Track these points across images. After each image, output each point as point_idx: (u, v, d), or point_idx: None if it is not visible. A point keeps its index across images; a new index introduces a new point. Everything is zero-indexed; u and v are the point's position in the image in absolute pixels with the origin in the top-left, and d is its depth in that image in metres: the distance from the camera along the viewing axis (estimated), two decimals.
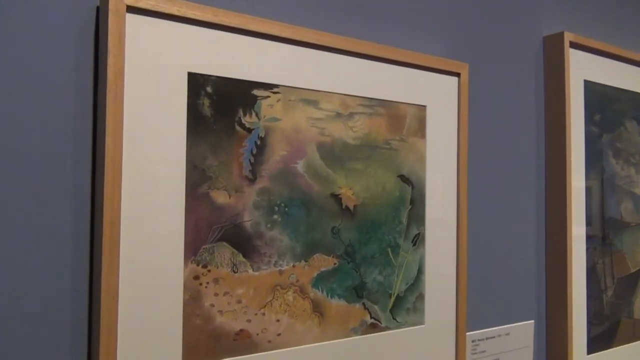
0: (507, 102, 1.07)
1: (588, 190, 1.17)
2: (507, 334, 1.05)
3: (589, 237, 1.17)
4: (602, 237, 1.20)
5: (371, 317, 0.84)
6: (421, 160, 0.90)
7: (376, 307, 0.84)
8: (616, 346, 1.22)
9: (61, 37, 0.62)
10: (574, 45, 1.15)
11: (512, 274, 1.07)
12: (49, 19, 0.61)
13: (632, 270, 1.27)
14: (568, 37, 1.13)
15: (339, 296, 0.80)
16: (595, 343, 1.17)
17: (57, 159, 0.62)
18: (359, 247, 0.82)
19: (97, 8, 0.65)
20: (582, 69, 1.17)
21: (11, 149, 0.59)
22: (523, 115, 1.10)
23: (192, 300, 0.67)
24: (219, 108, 0.70)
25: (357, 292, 0.82)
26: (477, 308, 1.01)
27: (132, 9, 0.63)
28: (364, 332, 0.83)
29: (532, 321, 1.10)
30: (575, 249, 1.13)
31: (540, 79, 1.14)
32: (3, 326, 0.58)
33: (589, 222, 1.17)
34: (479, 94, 1.02)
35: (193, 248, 0.67)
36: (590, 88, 1.19)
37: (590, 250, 1.17)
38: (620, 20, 1.32)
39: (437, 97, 0.92)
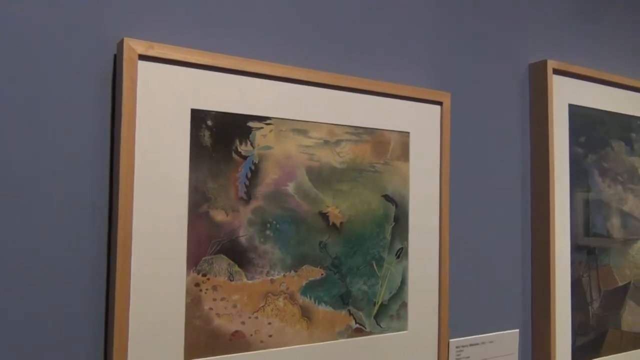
0: (492, 126, 1.16)
1: (573, 208, 1.25)
2: (492, 342, 1.13)
3: (574, 251, 1.24)
4: (587, 252, 1.27)
5: (356, 323, 0.93)
6: (404, 181, 0.99)
7: (361, 313, 0.94)
8: (603, 356, 1.28)
9: (84, 79, 0.74)
10: (557, 71, 1.23)
11: (497, 286, 1.15)
12: (74, 64, 0.74)
13: (620, 284, 1.34)
14: (551, 64, 1.21)
15: (326, 303, 0.90)
16: (581, 353, 1.24)
17: (79, 181, 0.73)
18: (344, 260, 0.92)
19: (115, 55, 0.77)
20: (567, 93, 1.25)
21: (40, 172, 0.71)
22: (507, 138, 1.19)
23: (193, 304, 0.78)
24: (217, 139, 0.81)
25: (343, 300, 0.92)
26: (462, 316, 1.09)
27: (143, 57, 0.75)
28: (350, 336, 0.92)
29: (517, 330, 1.18)
30: (559, 263, 1.20)
31: (527, 104, 1.23)
32: (35, 324, 0.70)
33: (574, 237, 1.24)
34: (464, 119, 1.11)
35: (194, 259, 0.79)
36: (575, 111, 1.27)
37: (575, 263, 1.24)
38: (602, 44, 1.40)
39: (420, 124, 1.02)
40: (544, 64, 1.21)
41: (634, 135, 1.39)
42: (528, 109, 1.23)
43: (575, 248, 1.24)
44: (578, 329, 1.24)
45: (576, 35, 1.33)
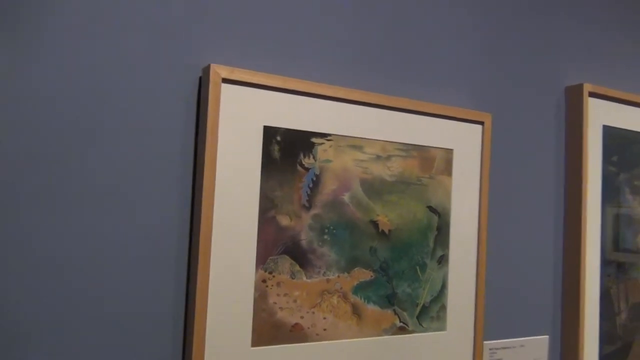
0: (529, 145, 1.24)
1: (604, 223, 1.32)
2: (522, 346, 1.21)
3: (603, 264, 1.31)
4: (617, 265, 1.34)
5: (400, 321, 1.03)
6: (447, 194, 1.09)
7: (405, 313, 1.03)
8: None
9: (173, 99, 0.86)
10: (593, 94, 1.31)
11: (530, 294, 1.24)
12: (166, 85, 0.85)
13: None
14: (587, 87, 1.29)
15: (374, 302, 1.00)
16: None
17: (166, 188, 0.85)
18: (391, 264, 1.02)
19: (200, 78, 0.88)
20: (601, 115, 1.33)
21: (133, 179, 0.83)
22: (543, 156, 1.27)
23: (260, 298, 0.89)
24: (285, 152, 0.92)
25: (389, 300, 1.02)
26: (496, 321, 1.18)
27: (225, 80, 0.86)
28: (394, 333, 1.02)
29: (547, 336, 1.26)
30: (589, 274, 1.28)
31: (562, 125, 1.30)
32: (132, 306, 0.81)
33: (604, 251, 1.32)
34: (503, 139, 1.20)
35: (262, 258, 0.89)
36: (609, 132, 1.34)
37: (604, 276, 1.31)
38: (636, 67, 1.46)
39: (463, 142, 1.11)
40: (580, 87, 1.29)
41: None
42: (564, 129, 1.31)
43: (605, 261, 1.32)
44: (605, 338, 1.31)
45: (610, 59, 1.40)
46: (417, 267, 1.05)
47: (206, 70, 0.86)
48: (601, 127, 1.33)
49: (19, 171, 0.75)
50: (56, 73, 0.78)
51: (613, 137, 1.35)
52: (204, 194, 0.84)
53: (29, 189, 0.76)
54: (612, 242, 1.33)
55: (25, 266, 0.75)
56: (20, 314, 0.75)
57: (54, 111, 0.78)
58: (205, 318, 0.84)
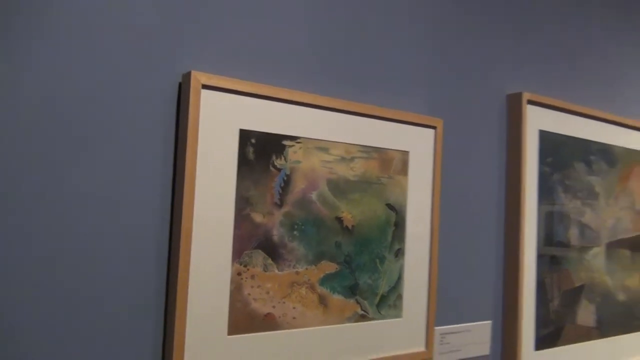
0: (475, 147, 1.36)
1: (540, 219, 1.46)
2: (469, 331, 1.33)
3: (539, 256, 1.45)
4: (550, 257, 1.49)
5: (362, 310, 1.12)
6: (404, 192, 1.18)
7: (366, 302, 1.12)
8: (560, 346, 1.50)
9: (154, 103, 0.91)
10: (531, 102, 1.44)
11: (476, 283, 1.36)
12: (147, 89, 0.90)
13: (576, 285, 1.56)
14: (526, 96, 1.42)
15: (339, 293, 1.08)
16: (542, 342, 1.45)
17: (148, 186, 0.90)
18: (354, 257, 1.10)
19: (180, 84, 0.93)
20: (538, 121, 1.47)
21: (117, 178, 0.87)
22: (488, 158, 1.39)
23: (236, 290, 0.95)
24: (259, 154, 0.98)
25: (352, 291, 1.10)
26: (446, 308, 1.29)
27: (205, 86, 0.92)
28: (356, 321, 1.11)
29: (490, 321, 1.38)
30: (526, 266, 1.42)
31: (504, 130, 1.43)
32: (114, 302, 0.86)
33: (540, 245, 1.46)
34: (453, 141, 1.31)
35: (238, 253, 0.96)
36: (544, 136, 1.48)
37: (539, 267, 1.45)
38: (569, 78, 1.62)
39: (418, 144, 1.21)
40: (519, 95, 1.42)
41: (592, 157, 1.62)
42: (505, 133, 1.44)
43: (541, 253, 1.46)
44: (541, 322, 1.45)
45: (547, 70, 1.55)
46: (377, 260, 1.14)
47: (187, 77, 0.91)
48: (538, 131, 1.47)
49: (3, 172, 0.79)
50: (40, 78, 0.81)
51: (548, 140, 1.49)
52: (184, 193, 0.90)
53: (15, 189, 0.79)
54: (547, 237, 1.48)
55: (10, 265, 0.79)
56: (5, 308, 0.78)
57: (38, 115, 0.81)
58: (186, 309, 0.89)
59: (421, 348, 1.21)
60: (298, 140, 1.03)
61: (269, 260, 0.99)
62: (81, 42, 0.85)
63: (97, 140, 0.86)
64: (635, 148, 1.76)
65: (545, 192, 1.48)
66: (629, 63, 1.82)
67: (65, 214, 0.83)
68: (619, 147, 1.71)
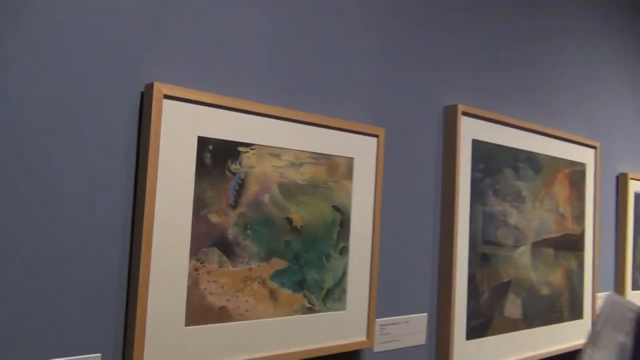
0: (414, 154, 1.49)
1: (472, 220, 1.60)
2: (406, 322, 1.46)
3: (471, 254, 1.59)
4: (481, 255, 1.63)
5: (309, 303, 1.22)
6: (348, 195, 1.29)
7: (312, 296, 1.22)
8: (489, 336, 1.65)
9: (118, 110, 0.98)
10: (465, 113, 1.58)
11: (413, 279, 1.48)
12: (113, 97, 0.97)
13: (504, 280, 1.71)
14: (461, 108, 1.56)
15: (288, 287, 1.18)
16: (473, 332, 1.59)
17: (112, 188, 0.97)
18: (302, 254, 1.20)
19: (142, 93, 1.00)
20: (471, 131, 1.61)
21: (84, 181, 0.94)
22: (425, 164, 1.52)
23: (193, 284, 1.03)
24: (215, 159, 1.07)
25: (300, 285, 1.20)
26: (386, 301, 1.41)
27: (166, 96, 1.00)
28: (303, 313, 1.21)
29: (426, 314, 1.51)
30: (459, 262, 1.55)
31: (441, 138, 1.57)
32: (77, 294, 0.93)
33: (472, 243, 1.60)
34: (394, 149, 1.43)
35: (195, 250, 1.04)
36: (477, 145, 1.63)
37: (471, 263, 1.59)
38: (502, 92, 1.77)
39: (362, 151, 1.32)
40: (455, 107, 1.56)
41: (520, 164, 1.78)
42: (442, 142, 1.57)
43: (472, 251, 1.60)
44: (472, 314, 1.59)
45: (480, 84, 1.70)
46: (323, 257, 1.24)
47: (149, 87, 0.99)
48: (471, 140, 1.61)
49: None
50: (7, 83, 0.87)
51: (480, 149, 1.64)
52: (146, 194, 0.97)
53: None
54: (478, 236, 1.62)
55: None
56: None
57: (6, 119, 0.87)
58: (146, 302, 0.97)
59: (363, 338, 1.32)
60: (252, 147, 1.12)
61: (224, 257, 1.08)
62: (52, 49, 0.91)
63: (63, 143, 0.92)
64: (559, 156, 1.94)
65: (477, 195, 1.62)
66: (556, 77, 2.00)
67: (34, 214, 0.89)
68: (545, 155, 1.88)
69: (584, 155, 2.07)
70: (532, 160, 1.83)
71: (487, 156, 1.66)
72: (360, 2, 1.37)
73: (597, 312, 0.66)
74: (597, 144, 2.11)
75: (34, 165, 0.89)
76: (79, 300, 0.93)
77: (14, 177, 0.87)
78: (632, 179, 2.34)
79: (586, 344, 0.69)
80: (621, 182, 2.34)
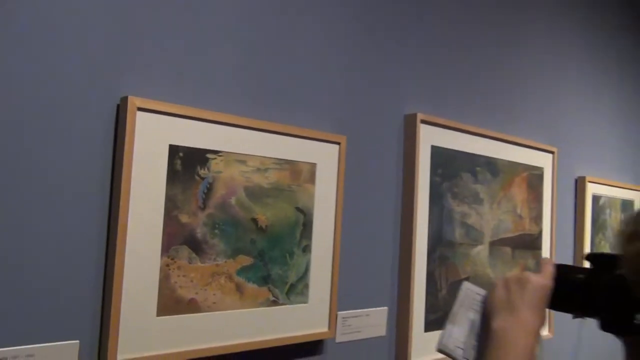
0: (375, 160, 1.61)
1: (431, 220, 1.72)
2: (367, 315, 1.57)
3: (429, 252, 1.71)
4: (439, 252, 1.75)
5: (273, 296, 1.33)
6: (311, 198, 1.41)
7: (277, 290, 1.34)
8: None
9: (96, 120, 1.08)
10: (424, 121, 1.71)
11: (374, 275, 1.60)
12: (91, 109, 1.08)
13: (462, 276, 1.84)
14: (420, 116, 1.68)
15: (253, 282, 1.29)
16: (431, 325, 1.72)
17: (91, 192, 1.07)
18: (267, 252, 1.31)
19: (118, 106, 1.11)
20: (430, 137, 1.73)
21: (63, 182, 1.04)
22: (386, 168, 1.64)
23: (164, 278, 1.14)
24: (185, 165, 1.18)
25: (265, 280, 1.31)
26: (348, 296, 1.52)
27: (139, 108, 1.11)
28: (268, 305, 1.32)
29: (386, 307, 1.63)
30: (418, 260, 1.67)
31: (401, 145, 1.68)
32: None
33: (430, 242, 1.72)
34: (355, 155, 1.55)
35: (166, 247, 1.14)
36: (436, 151, 1.75)
37: (430, 261, 1.72)
38: (461, 100, 1.90)
39: (324, 158, 1.44)
40: (414, 115, 1.68)
41: (478, 168, 1.90)
42: (402, 148, 1.69)
43: (431, 249, 1.72)
44: (430, 308, 1.71)
45: (438, 94, 1.82)
46: (287, 254, 1.36)
47: (124, 100, 1.10)
48: (430, 147, 1.73)
49: None
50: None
51: (439, 154, 1.76)
52: (121, 196, 1.08)
53: None
54: (436, 235, 1.74)
55: None
56: None
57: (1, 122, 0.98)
58: (121, 293, 1.08)
59: (325, 329, 1.44)
60: (220, 154, 1.23)
61: (193, 254, 1.19)
62: (33, 61, 1.01)
63: (48, 149, 1.02)
64: (517, 161, 2.07)
65: (436, 197, 1.75)
66: (516, 84, 2.13)
67: (21, 213, 0.99)
68: (503, 160, 2.01)
69: (542, 160, 2.20)
70: (491, 164, 1.95)
71: (445, 161, 1.78)
72: (322, 17, 1.49)
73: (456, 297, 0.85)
74: (554, 149, 2.24)
75: (21, 168, 1.00)
76: (60, 292, 1.04)
77: (2, 179, 0.98)
78: (589, 182, 2.48)
79: (446, 322, 0.84)
80: (579, 185, 2.48)
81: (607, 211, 2.63)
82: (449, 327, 0.86)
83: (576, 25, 2.50)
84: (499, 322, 0.81)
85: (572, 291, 0.82)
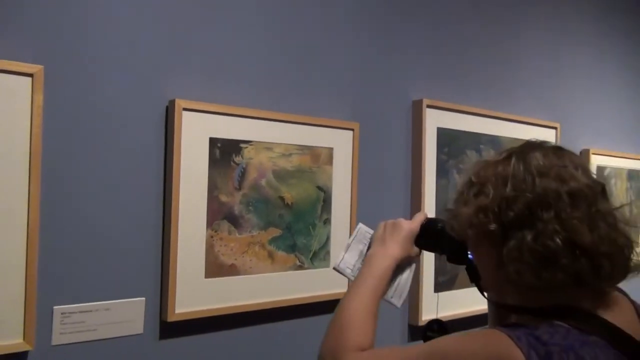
0: (386, 143, 1.82)
1: (438, 193, 1.93)
2: None
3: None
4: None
5: (299, 262, 1.57)
6: (329, 177, 1.64)
7: (302, 256, 1.58)
8: (455, 289, 1.99)
9: (149, 121, 1.33)
10: (430, 106, 1.91)
11: None
12: (146, 110, 1.32)
13: None
14: (426, 102, 1.89)
15: (282, 250, 1.53)
16: (440, 286, 1.94)
17: (147, 180, 1.32)
18: (293, 225, 1.55)
19: (167, 107, 1.35)
20: (436, 120, 1.93)
21: (122, 175, 1.30)
22: (396, 149, 1.85)
23: (210, 247, 1.39)
24: (223, 154, 1.42)
25: (292, 249, 1.56)
26: None
27: (184, 109, 1.35)
28: (295, 269, 1.56)
29: None
30: None
31: (410, 128, 1.89)
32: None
33: (438, 213, 1.93)
34: (367, 140, 1.76)
35: (210, 222, 1.39)
36: (441, 132, 1.95)
37: None
38: (465, 84, 2.09)
39: (340, 143, 1.66)
40: (421, 101, 1.88)
41: (482, 146, 2.10)
42: (411, 131, 1.90)
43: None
44: (439, 271, 1.93)
45: (447, 77, 2.01)
46: (310, 226, 1.60)
47: (172, 102, 1.34)
48: (436, 128, 1.94)
49: (53, 170, 1.21)
50: (69, 105, 1.23)
51: (445, 135, 1.96)
52: (173, 182, 1.33)
53: (57, 187, 1.22)
54: (444, 207, 1.95)
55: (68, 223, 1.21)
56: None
57: (65, 129, 1.23)
58: (176, 261, 1.33)
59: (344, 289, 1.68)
60: (251, 143, 1.47)
61: (232, 227, 1.44)
62: (99, 73, 1.26)
63: (112, 146, 1.28)
64: (518, 137, 2.25)
65: (442, 173, 1.95)
66: (519, 65, 2.31)
67: (99, 198, 1.25)
68: (505, 137, 2.20)
69: (545, 135, 2.38)
70: (495, 142, 2.15)
71: (450, 141, 1.99)
72: (331, 17, 1.70)
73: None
74: (557, 125, 2.42)
75: (94, 160, 1.25)
76: (128, 259, 1.30)
77: (79, 170, 1.24)
78: (593, 154, 2.65)
79: (342, 250, 1.17)
80: (584, 157, 2.64)
81: (613, 181, 2.79)
82: (343, 254, 1.16)
83: (571, 2, 2.63)
84: (371, 251, 1.09)
85: (430, 236, 1.09)
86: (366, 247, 1.14)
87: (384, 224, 1.12)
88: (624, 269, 0.87)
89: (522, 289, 0.86)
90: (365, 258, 1.10)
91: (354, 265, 1.14)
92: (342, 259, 1.16)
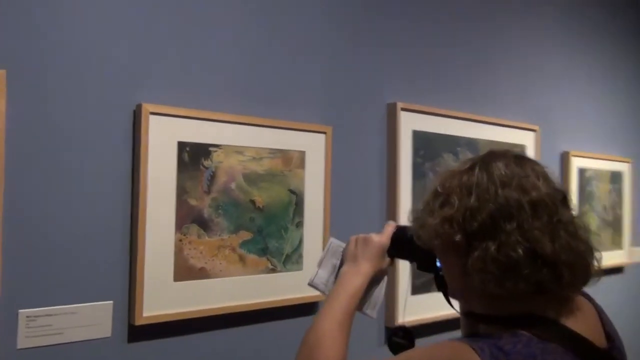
0: (359, 146, 1.83)
1: (414, 196, 1.94)
2: None
3: None
4: None
5: (271, 265, 1.58)
6: (302, 181, 1.64)
7: (275, 260, 1.58)
8: (432, 292, 1.99)
9: (116, 125, 1.34)
10: (404, 109, 1.92)
11: None
12: (113, 114, 1.33)
13: None
14: (400, 105, 1.90)
15: (253, 253, 1.54)
16: (418, 289, 1.94)
17: (114, 186, 1.33)
18: (264, 228, 1.56)
19: (134, 111, 1.36)
20: (411, 123, 1.94)
21: (91, 176, 1.30)
22: (371, 152, 1.86)
23: (179, 251, 1.40)
24: (192, 158, 1.42)
25: (264, 252, 1.56)
26: None
27: (151, 113, 1.35)
28: (267, 273, 1.57)
29: None
30: None
31: (384, 131, 1.90)
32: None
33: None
34: (340, 143, 1.77)
35: (179, 226, 1.40)
36: (417, 134, 1.96)
37: None
38: (440, 87, 2.10)
39: (312, 146, 1.67)
40: (394, 104, 1.89)
41: (459, 149, 2.11)
42: (385, 134, 1.91)
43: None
44: (417, 275, 1.94)
45: (421, 81, 2.03)
46: (282, 230, 1.60)
47: (139, 106, 1.35)
48: (411, 131, 1.95)
49: (19, 171, 1.21)
50: (33, 109, 1.24)
51: (420, 138, 1.97)
52: (140, 185, 1.33)
53: (29, 184, 1.22)
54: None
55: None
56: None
57: (30, 136, 1.24)
58: (144, 264, 1.34)
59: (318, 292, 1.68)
60: (220, 147, 1.48)
61: (202, 231, 1.44)
62: (64, 76, 1.27)
63: (79, 148, 1.28)
64: (496, 140, 2.27)
65: (418, 176, 1.96)
66: (496, 68, 2.32)
67: (64, 202, 1.26)
68: (484, 140, 2.21)
69: (524, 138, 2.39)
70: (471, 144, 2.16)
71: (426, 144, 2.00)
72: (302, 20, 1.71)
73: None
74: (536, 127, 2.43)
75: (61, 161, 1.26)
76: (96, 263, 1.30)
77: (44, 173, 1.24)
78: (574, 155, 2.66)
79: (316, 266, 1.21)
80: (564, 159, 2.66)
81: (594, 183, 2.81)
82: (317, 269, 1.19)
83: (549, 3, 2.65)
84: (343, 268, 1.12)
85: (400, 245, 1.12)
86: (339, 262, 1.17)
87: (355, 239, 1.15)
88: (585, 276, 0.89)
89: (487, 298, 0.88)
90: (338, 276, 1.12)
91: (328, 280, 1.18)
92: (316, 274, 1.19)
